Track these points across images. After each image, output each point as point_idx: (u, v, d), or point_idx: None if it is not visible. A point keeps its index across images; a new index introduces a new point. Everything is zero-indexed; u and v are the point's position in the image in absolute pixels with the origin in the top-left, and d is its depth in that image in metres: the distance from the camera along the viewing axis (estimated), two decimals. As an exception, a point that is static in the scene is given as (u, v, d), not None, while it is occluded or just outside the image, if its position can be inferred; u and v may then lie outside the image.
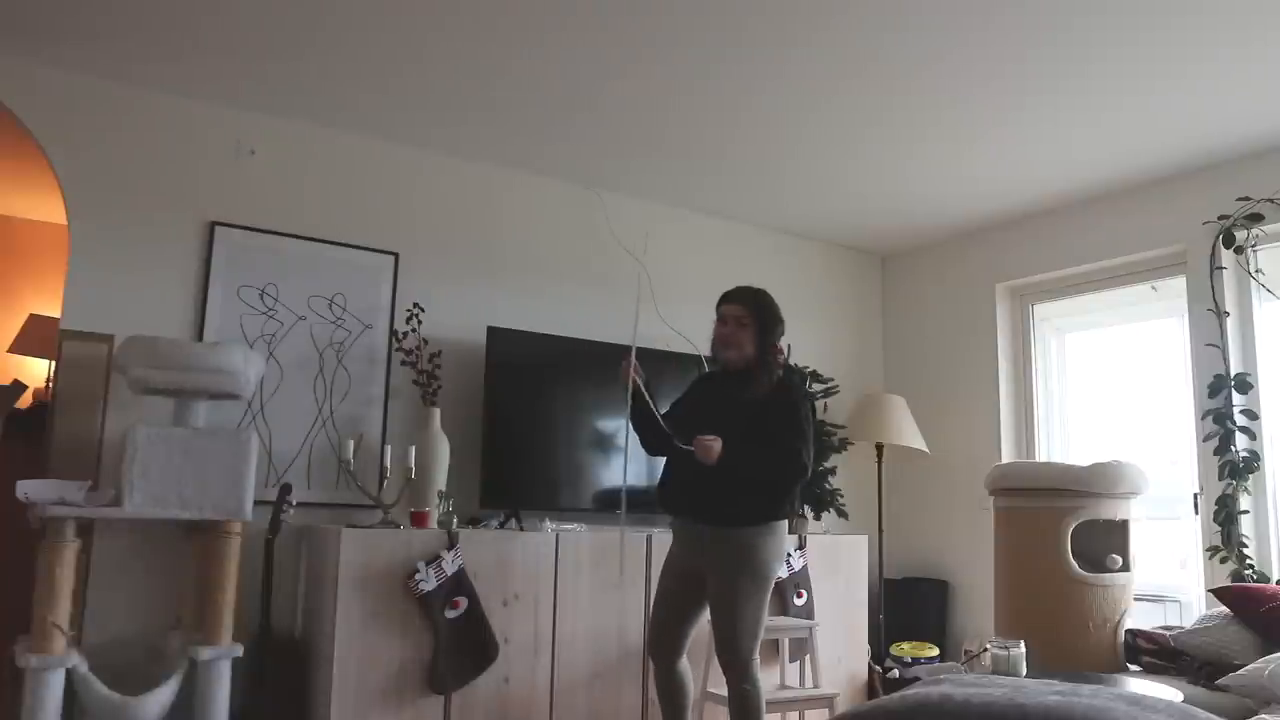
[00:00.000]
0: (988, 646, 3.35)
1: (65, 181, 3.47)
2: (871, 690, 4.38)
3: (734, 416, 3.07)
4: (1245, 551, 3.86)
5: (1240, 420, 3.94)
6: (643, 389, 3.15)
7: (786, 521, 3.11)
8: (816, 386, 4.65)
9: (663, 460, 3.29)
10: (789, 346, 4.68)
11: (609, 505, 4.20)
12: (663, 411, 3.23)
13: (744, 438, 3.00)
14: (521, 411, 4.04)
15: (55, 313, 3.82)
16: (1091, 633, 3.70)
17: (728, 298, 3.23)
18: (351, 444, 3.65)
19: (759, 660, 3.05)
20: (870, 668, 4.43)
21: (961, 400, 5.08)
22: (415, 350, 3.92)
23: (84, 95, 3.53)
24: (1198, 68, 3.31)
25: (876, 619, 4.73)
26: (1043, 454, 4.86)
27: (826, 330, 5.33)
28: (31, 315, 4.79)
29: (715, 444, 2.95)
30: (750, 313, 3.16)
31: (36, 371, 4.85)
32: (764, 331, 3.15)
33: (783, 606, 4.14)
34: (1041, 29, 3.08)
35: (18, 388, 4.45)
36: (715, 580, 3.05)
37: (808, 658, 3.93)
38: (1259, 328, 4.02)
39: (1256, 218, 3.95)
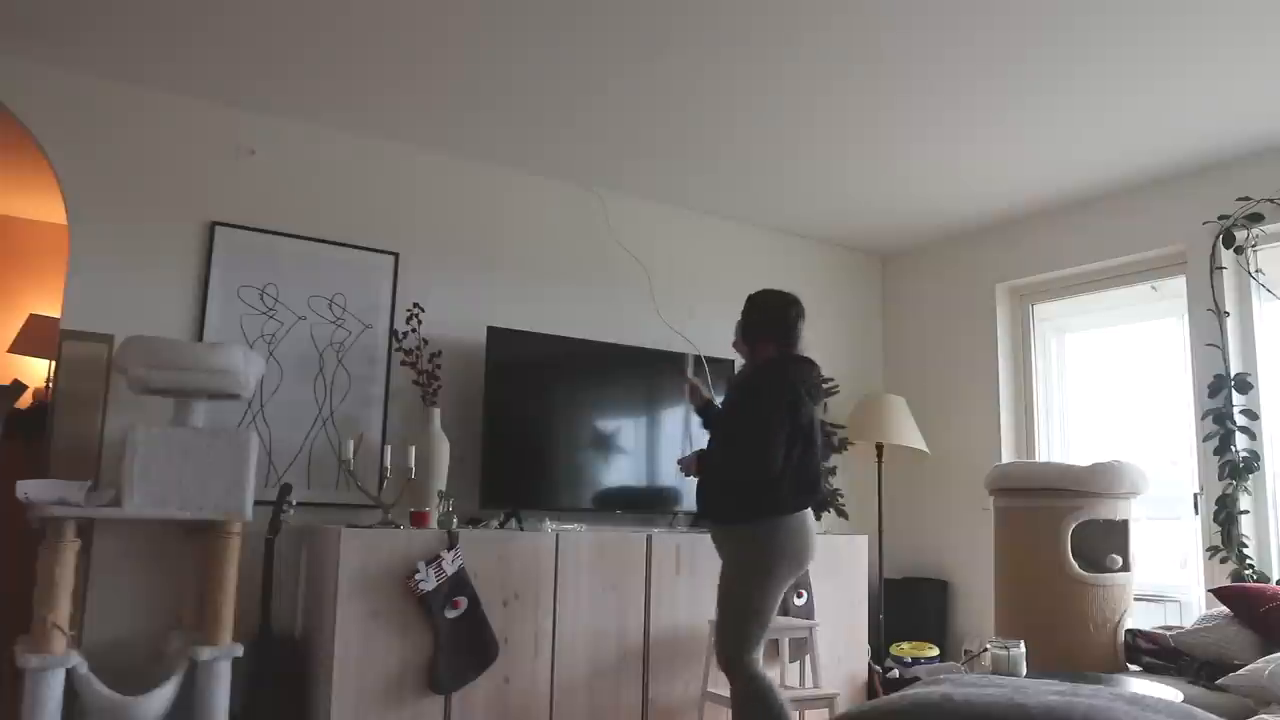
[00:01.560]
0: (988, 646, 3.35)
1: (65, 181, 3.47)
2: (871, 690, 4.38)
3: (722, 415, 3.26)
4: (1245, 551, 3.86)
5: (1240, 420, 3.94)
6: (699, 400, 3.49)
7: (792, 516, 3.01)
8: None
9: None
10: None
11: (609, 505, 4.20)
12: None
13: (717, 437, 3.21)
14: (521, 411, 4.04)
15: (55, 313, 3.83)
16: (1091, 633, 3.70)
17: None
18: (351, 444, 3.65)
19: (757, 657, 3.01)
20: (870, 668, 4.43)
21: (961, 400, 5.08)
22: (415, 350, 3.92)
23: (84, 95, 3.53)
24: (1197, 67, 3.31)
25: (876, 619, 4.73)
26: (1043, 454, 4.86)
27: (826, 330, 5.33)
28: (31, 315, 4.79)
29: (691, 461, 3.21)
30: (744, 308, 3.33)
31: (36, 371, 4.85)
32: (742, 326, 3.30)
33: (783, 606, 4.15)
34: (1041, 29, 3.08)
35: (18, 388, 4.45)
36: (720, 577, 3.12)
37: (808, 658, 3.93)
38: (1259, 328, 4.02)
39: (1256, 218, 3.95)
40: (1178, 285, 4.32)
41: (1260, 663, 3.08)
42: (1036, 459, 4.83)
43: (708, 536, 4.03)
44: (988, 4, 2.94)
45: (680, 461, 3.29)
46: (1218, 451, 3.96)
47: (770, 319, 3.22)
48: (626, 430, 4.29)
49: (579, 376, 4.23)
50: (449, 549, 3.40)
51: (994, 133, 3.89)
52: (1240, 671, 3.11)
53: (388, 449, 3.69)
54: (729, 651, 3.01)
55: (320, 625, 3.34)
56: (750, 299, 3.32)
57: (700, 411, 3.51)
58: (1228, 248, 4.05)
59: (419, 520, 3.58)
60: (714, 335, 4.83)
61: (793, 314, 3.22)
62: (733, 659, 3.00)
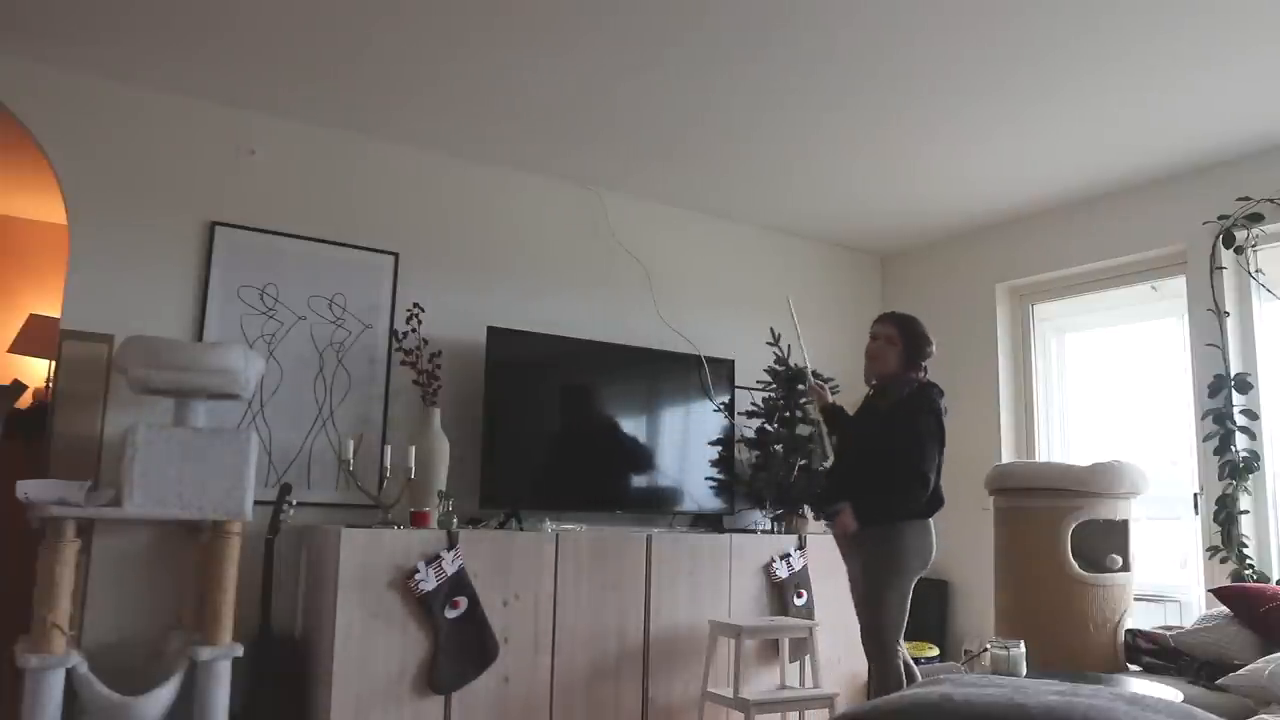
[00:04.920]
0: (988, 646, 3.35)
1: (65, 181, 3.47)
2: (871, 690, 4.37)
3: (868, 427, 3.45)
4: (1245, 551, 3.86)
5: (1240, 420, 3.94)
6: (816, 413, 3.76)
7: (927, 520, 3.31)
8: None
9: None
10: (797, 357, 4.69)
11: (609, 505, 4.20)
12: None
13: (872, 447, 3.37)
14: (521, 411, 4.04)
15: (55, 313, 3.82)
16: (1091, 633, 3.70)
17: (879, 319, 3.58)
18: (351, 444, 3.65)
19: (902, 648, 3.27)
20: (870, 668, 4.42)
21: (961, 400, 5.06)
22: (415, 350, 3.92)
23: (84, 95, 3.53)
24: (1198, 68, 3.31)
25: (876, 619, 4.72)
26: (1043, 454, 4.85)
27: (826, 330, 5.32)
28: (31, 315, 4.79)
29: (845, 516, 3.30)
30: (899, 334, 3.48)
31: (36, 371, 4.85)
32: (908, 351, 3.46)
33: (783, 606, 4.15)
34: (1042, 32, 3.08)
35: (18, 388, 4.45)
36: (860, 573, 3.35)
37: (808, 658, 3.93)
38: (1259, 328, 4.02)
39: (1256, 218, 3.95)
40: (1178, 285, 4.32)
41: (1260, 663, 3.08)
42: (1036, 459, 4.82)
43: (716, 536, 4.05)
44: (990, 9, 2.94)
45: (836, 521, 3.34)
46: (1218, 451, 3.96)
47: (924, 346, 3.47)
48: (626, 430, 4.29)
49: (579, 376, 4.23)
50: (449, 549, 3.40)
51: (994, 133, 3.88)
52: (1240, 671, 3.11)
53: (388, 449, 3.69)
54: (880, 638, 3.25)
55: (320, 625, 3.34)
56: (909, 324, 3.51)
57: (827, 418, 3.74)
58: (1228, 248, 4.05)
59: (419, 520, 3.58)
60: (715, 335, 4.83)
61: (933, 343, 3.51)
62: (885, 645, 3.24)
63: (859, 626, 3.37)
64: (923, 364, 3.47)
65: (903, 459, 3.27)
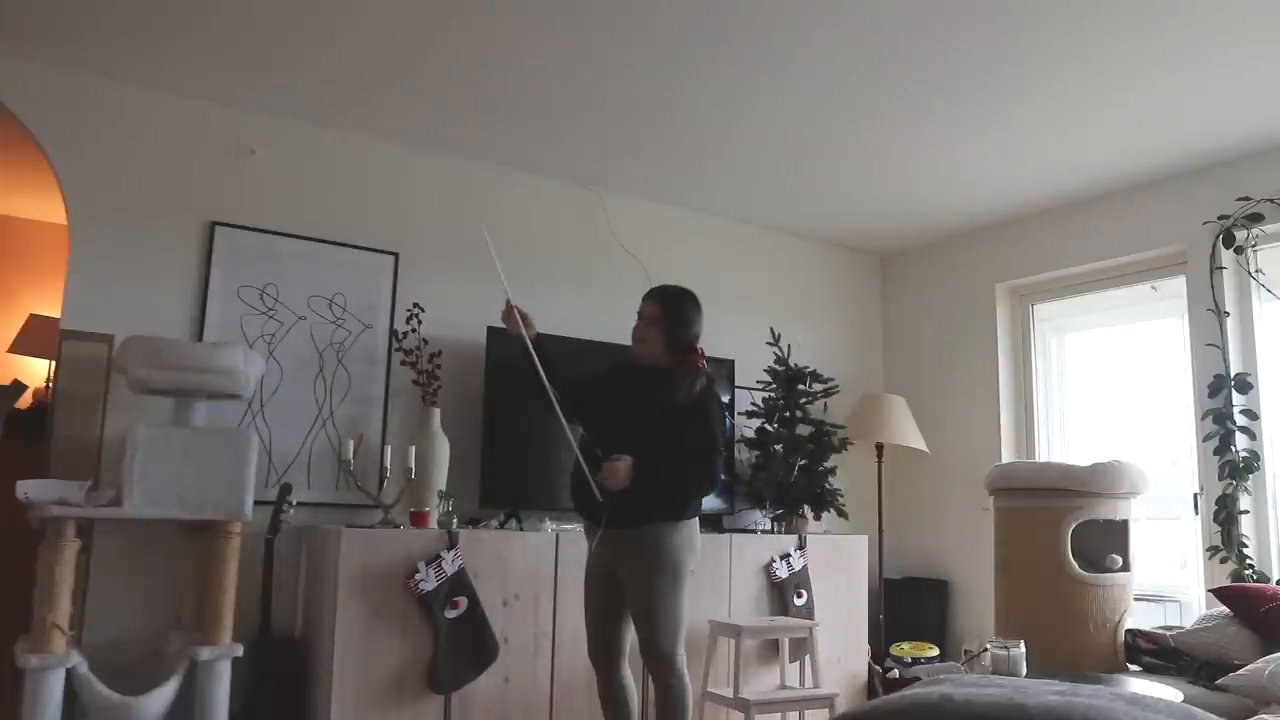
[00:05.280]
0: (988, 646, 3.35)
1: (65, 182, 3.47)
2: (871, 690, 4.38)
3: (650, 416, 3.06)
4: (1245, 551, 3.86)
5: (1240, 420, 3.94)
6: (530, 346, 3.11)
7: (698, 519, 3.08)
8: (816, 386, 4.65)
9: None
10: (774, 346, 4.69)
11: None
12: (570, 377, 3.21)
13: (659, 440, 3.00)
14: (521, 411, 4.03)
15: (55, 313, 3.82)
16: (1091, 633, 3.70)
17: (645, 296, 3.19)
18: (351, 444, 3.65)
19: (684, 656, 2.98)
20: (870, 668, 4.43)
21: (961, 400, 5.07)
22: (415, 350, 3.92)
23: (84, 95, 3.53)
24: (1199, 67, 3.31)
25: (876, 619, 4.73)
26: (1043, 454, 4.86)
27: (826, 330, 5.33)
28: (31, 315, 4.79)
29: (622, 467, 2.92)
30: (661, 313, 3.12)
31: (36, 371, 4.85)
32: (669, 330, 3.10)
33: (783, 606, 4.15)
34: (1041, 29, 3.08)
35: (18, 388, 4.45)
36: (631, 581, 2.99)
37: (808, 658, 3.93)
38: (1259, 328, 4.02)
39: (1256, 218, 3.94)
40: (1178, 285, 4.32)
41: (1260, 663, 3.08)
42: (1036, 459, 4.82)
43: (716, 536, 4.02)
44: (988, 5, 2.94)
45: (608, 465, 2.93)
46: (1218, 451, 3.96)
47: (687, 326, 3.12)
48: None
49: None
50: (449, 549, 3.40)
51: (994, 133, 3.88)
52: (1240, 671, 3.11)
53: (388, 449, 3.69)
54: (667, 651, 2.94)
55: (320, 625, 3.34)
56: (673, 300, 3.13)
57: (528, 352, 3.10)
58: (1228, 248, 4.05)
59: (419, 520, 3.58)
60: (714, 336, 4.82)
61: (699, 321, 3.16)
62: (671, 658, 2.94)
63: (637, 637, 2.99)
64: (695, 345, 3.11)
65: (701, 466, 3.01)
